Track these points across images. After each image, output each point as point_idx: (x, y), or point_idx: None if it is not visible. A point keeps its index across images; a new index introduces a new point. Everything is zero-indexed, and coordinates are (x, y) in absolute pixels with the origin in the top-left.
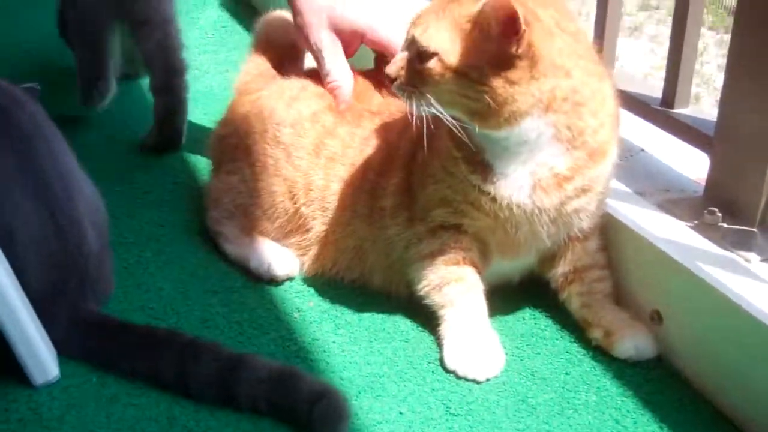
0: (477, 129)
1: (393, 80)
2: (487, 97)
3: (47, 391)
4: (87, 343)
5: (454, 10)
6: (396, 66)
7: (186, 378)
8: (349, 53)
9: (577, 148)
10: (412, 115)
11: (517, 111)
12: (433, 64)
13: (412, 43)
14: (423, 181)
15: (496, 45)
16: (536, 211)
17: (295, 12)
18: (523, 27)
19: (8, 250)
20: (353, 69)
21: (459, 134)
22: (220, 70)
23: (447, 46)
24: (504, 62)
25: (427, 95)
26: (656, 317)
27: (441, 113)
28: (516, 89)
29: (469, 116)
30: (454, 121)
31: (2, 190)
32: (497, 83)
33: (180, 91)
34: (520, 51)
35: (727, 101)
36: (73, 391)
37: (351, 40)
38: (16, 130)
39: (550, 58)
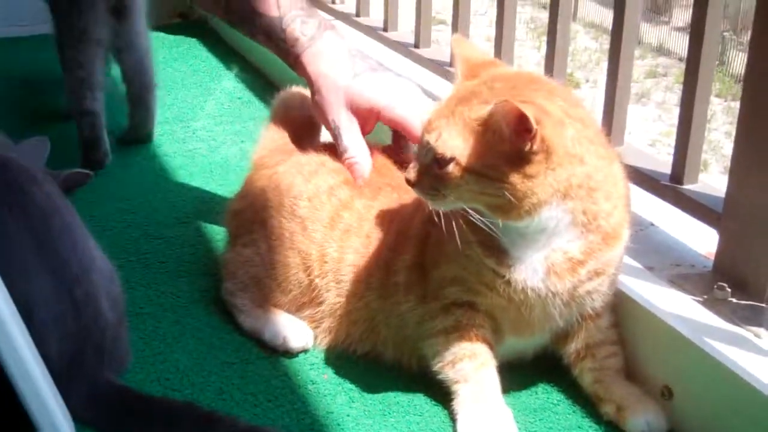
0: (500, 222)
1: (413, 184)
2: (507, 194)
3: None
4: (105, 414)
5: (464, 113)
6: (415, 172)
7: None
8: (365, 130)
9: (591, 232)
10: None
11: (537, 202)
12: (451, 168)
13: (428, 150)
14: (436, 260)
15: (510, 145)
16: (550, 294)
17: (314, 90)
18: (535, 126)
19: (28, 326)
20: (370, 145)
21: (475, 221)
22: (235, 141)
23: (462, 149)
24: (520, 159)
25: (450, 196)
26: (666, 393)
27: (464, 209)
28: (534, 182)
29: (491, 211)
30: (475, 214)
31: (21, 269)
32: (515, 179)
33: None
34: (534, 147)
35: (735, 178)
36: None
37: (368, 117)
38: (33, 209)
39: (564, 147)
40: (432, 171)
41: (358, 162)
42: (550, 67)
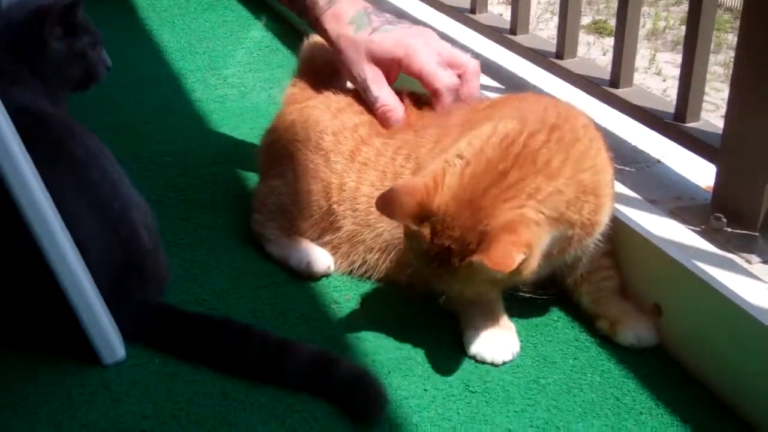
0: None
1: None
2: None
3: (115, 370)
4: (150, 329)
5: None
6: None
7: (238, 359)
8: (390, 81)
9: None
10: None
11: (531, 271)
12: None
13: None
14: None
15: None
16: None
17: (336, 50)
18: (523, 258)
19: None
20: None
21: None
22: (264, 88)
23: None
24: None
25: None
26: (657, 310)
27: None
28: (523, 272)
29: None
30: None
31: (71, 214)
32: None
33: None
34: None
35: (732, 115)
36: (138, 369)
37: (390, 69)
38: (74, 160)
39: (544, 239)
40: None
41: (391, 109)
42: (564, 8)
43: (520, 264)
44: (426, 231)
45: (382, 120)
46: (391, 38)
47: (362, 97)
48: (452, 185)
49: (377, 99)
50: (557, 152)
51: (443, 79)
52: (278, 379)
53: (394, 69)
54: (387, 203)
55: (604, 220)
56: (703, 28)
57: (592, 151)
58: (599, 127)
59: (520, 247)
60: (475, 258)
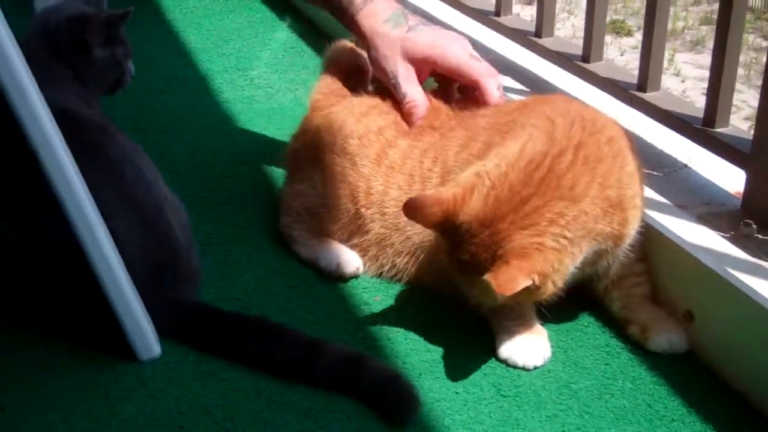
0: None
1: None
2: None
3: (151, 366)
4: (185, 326)
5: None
6: None
7: (271, 357)
8: (420, 80)
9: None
10: None
11: (553, 289)
12: None
13: None
14: None
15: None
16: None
17: (370, 47)
18: (536, 284)
19: None
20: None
21: None
22: (290, 88)
23: None
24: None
25: None
26: (688, 316)
27: None
28: (542, 290)
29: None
30: None
31: (107, 213)
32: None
33: None
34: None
35: (763, 120)
36: (173, 366)
37: (422, 67)
38: (107, 159)
39: (562, 264)
40: None
41: (418, 106)
42: (591, 11)
43: (536, 288)
44: (449, 241)
45: (407, 116)
46: (425, 37)
47: (387, 99)
48: (476, 206)
49: (405, 95)
50: (582, 174)
51: (482, 69)
52: (310, 378)
53: (426, 68)
54: (414, 209)
55: (631, 231)
56: (732, 32)
57: (615, 167)
58: (627, 134)
59: (529, 274)
60: (485, 277)
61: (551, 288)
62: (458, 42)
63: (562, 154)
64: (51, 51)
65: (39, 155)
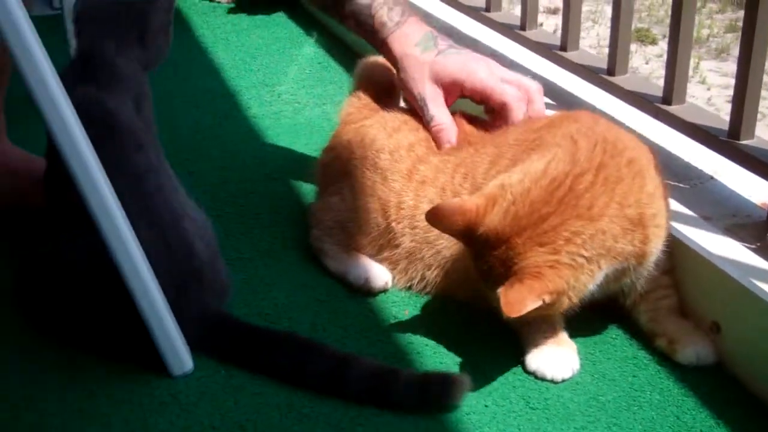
0: None
1: None
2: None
3: (184, 381)
4: (215, 341)
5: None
6: None
7: (302, 371)
8: (447, 103)
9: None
10: None
11: (572, 302)
12: None
13: None
14: None
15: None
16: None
17: (399, 68)
18: (546, 302)
19: None
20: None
21: None
22: (318, 104)
23: None
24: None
25: None
26: (715, 328)
27: None
28: (558, 304)
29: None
30: None
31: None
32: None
33: None
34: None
35: None
36: (205, 381)
37: (451, 90)
38: (131, 168)
39: (579, 280)
40: None
41: (444, 129)
42: (617, 12)
43: (548, 305)
44: (471, 250)
45: (435, 139)
46: (454, 61)
47: (417, 116)
48: (495, 218)
49: (433, 117)
50: (602, 194)
51: (510, 91)
52: (341, 392)
53: (455, 91)
54: (438, 217)
55: (654, 249)
56: (758, 43)
57: (635, 187)
58: (651, 150)
59: (539, 295)
60: (498, 291)
61: (566, 303)
62: (487, 65)
63: (582, 175)
64: (116, 45)
65: (72, 170)
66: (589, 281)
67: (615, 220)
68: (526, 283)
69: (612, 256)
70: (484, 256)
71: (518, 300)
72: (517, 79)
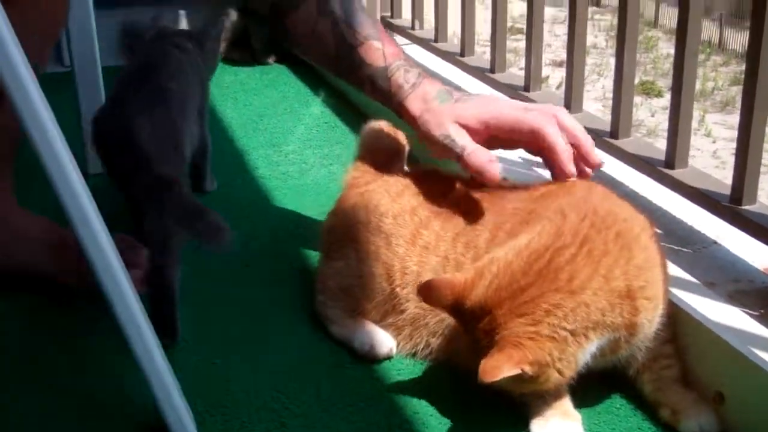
0: None
1: None
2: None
3: None
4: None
5: None
6: None
7: None
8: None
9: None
10: None
11: (560, 381)
12: None
13: None
14: None
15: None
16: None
17: (420, 123)
18: (528, 373)
19: None
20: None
21: None
22: (324, 164)
23: None
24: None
25: None
26: (719, 398)
27: None
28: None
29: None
30: None
31: None
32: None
33: None
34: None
35: None
36: None
37: (476, 131)
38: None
39: (560, 356)
40: None
41: (478, 150)
42: (619, 77)
43: (533, 378)
44: (460, 323)
45: (472, 165)
46: (475, 102)
47: (420, 181)
48: (480, 291)
49: (464, 147)
50: (584, 266)
51: (539, 117)
52: None
53: (481, 131)
54: (428, 291)
55: (644, 320)
56: (758, 109)
57: (622, 259)
58: (647, 220)
59: (517, 364)
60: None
61: (556, 377)
62: (507, 101)
63: (564, 248)
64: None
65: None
66: (579, 353)
67: (600, 293)
68: (504, 352)
69: (602, 328)
70: (472, 330)
71: (495, 366)
72: (539, 107)
